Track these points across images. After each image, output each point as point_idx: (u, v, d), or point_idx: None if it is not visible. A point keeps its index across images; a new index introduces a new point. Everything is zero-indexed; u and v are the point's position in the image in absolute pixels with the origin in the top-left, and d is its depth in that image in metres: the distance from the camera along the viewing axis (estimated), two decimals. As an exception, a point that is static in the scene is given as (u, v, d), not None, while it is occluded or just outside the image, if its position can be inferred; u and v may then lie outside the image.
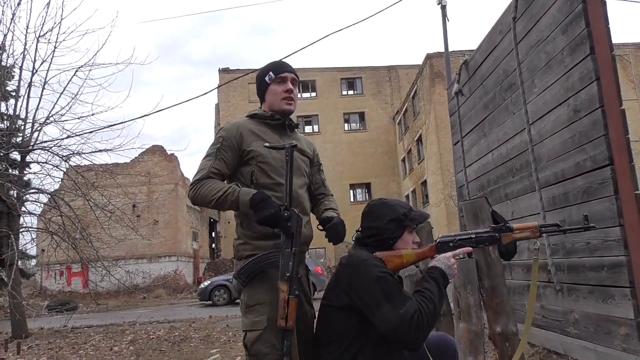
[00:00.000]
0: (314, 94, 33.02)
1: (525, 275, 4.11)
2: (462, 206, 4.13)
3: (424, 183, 26.84)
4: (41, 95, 8.79)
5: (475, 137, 5.14)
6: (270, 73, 2.06)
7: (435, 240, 1.88)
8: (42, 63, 8.75)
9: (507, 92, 4.30)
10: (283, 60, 2.18)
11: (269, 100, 2.07)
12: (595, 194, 3.00)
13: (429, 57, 24.68)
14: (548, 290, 3.71)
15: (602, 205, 2.94)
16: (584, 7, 3.04)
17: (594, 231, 3.00)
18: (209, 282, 15.39)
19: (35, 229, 9.92)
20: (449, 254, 1.80)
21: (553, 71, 3.46)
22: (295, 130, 2.16)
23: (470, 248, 1.82)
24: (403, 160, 31.74)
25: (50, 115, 8.66)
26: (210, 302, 14.57)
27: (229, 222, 31.14)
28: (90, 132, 8.78)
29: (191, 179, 1.92)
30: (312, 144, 2.26)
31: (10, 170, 8.92)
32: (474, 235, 1.84)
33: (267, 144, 1.94)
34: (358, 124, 33.50)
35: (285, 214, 1.75)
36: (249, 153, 1.94)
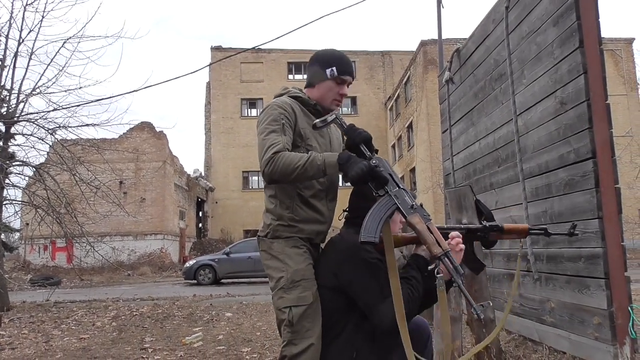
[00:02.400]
0: (306, 76, 32.79)
1: (506, 264, 4.18)
2: (446, 194, 4.17)
3: (413, 170, 26.97)
4: (27, 65, 8.68)
5: (464, 125, 5.16)
6: (334, 69, 1.96)
7: None
8: (29, 32, 8.61)
9: (496, 82, 4.31)
10: (341, 53, 2.04)
11: (320, 94, 2.00)
12: (577, 187, 3.05)
13: (423, 43, 24.60)
14: (527, 279, 3.78)
15: (583, 197, 2.98)
16: (576, -1, 3.04)
17: (574, 223, 3.06)
18: (194, 261, 15.45)
19: (19, 202, 9.82)
20: None
21: (542, 63, 3.47)
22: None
23: None
24: (393, 146, 31.81)
25: (37, 86, 8.56)
26: (195, 281, 14.63)
27: (216, 202, 31.09)
28: (78, 105, 8.69)
29: (262, 157, 1.78)
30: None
31: (-6, 142, 8.77)
32: (464, 231, 1.82)
33: (317, 120, 1.87)
34: (349, 109, 33.39)
35: (373, 162, 1.69)
36: (299, 134, 1.91)
